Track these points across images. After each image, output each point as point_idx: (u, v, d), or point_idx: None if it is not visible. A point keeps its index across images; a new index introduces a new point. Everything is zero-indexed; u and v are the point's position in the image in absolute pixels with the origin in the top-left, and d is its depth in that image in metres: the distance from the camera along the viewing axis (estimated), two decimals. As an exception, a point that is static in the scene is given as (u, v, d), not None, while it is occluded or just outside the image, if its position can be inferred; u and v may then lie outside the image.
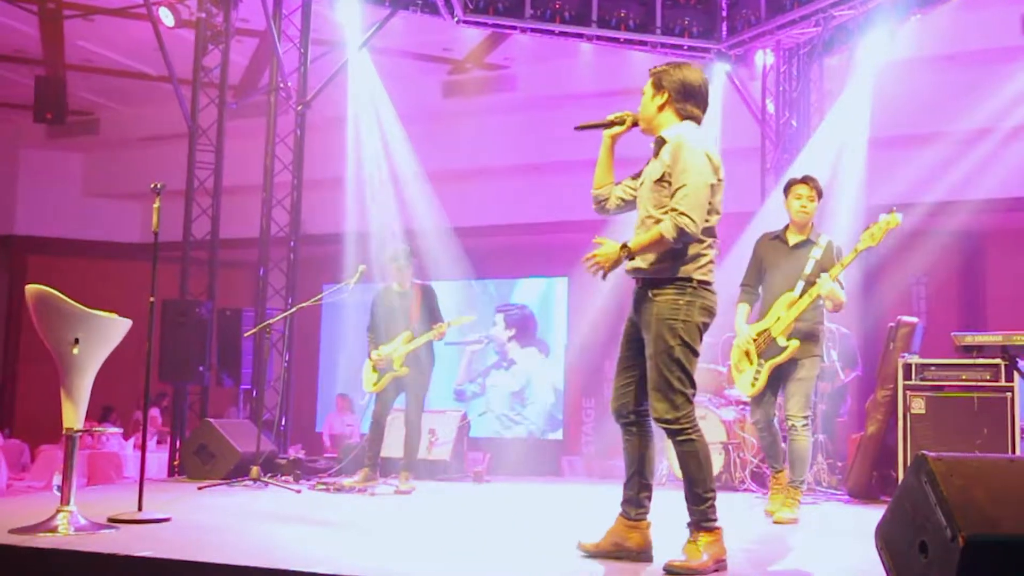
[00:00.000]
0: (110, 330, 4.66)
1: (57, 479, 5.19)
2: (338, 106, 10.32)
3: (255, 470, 7.08)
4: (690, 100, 3.98)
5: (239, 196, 10.48)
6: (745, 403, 7.76)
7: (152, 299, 5.22)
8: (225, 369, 9.01)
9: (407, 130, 10.75)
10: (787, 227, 5.87)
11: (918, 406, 6.56)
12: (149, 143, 14.38)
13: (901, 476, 6.47)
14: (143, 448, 5.53)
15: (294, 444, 10.17)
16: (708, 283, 3.90)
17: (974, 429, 6.31)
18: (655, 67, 4.10)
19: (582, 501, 7.06)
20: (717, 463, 7.76)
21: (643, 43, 9.85)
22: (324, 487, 7.07)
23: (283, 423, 9.06)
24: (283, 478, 7.53)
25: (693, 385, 3.87)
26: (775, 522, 5.47)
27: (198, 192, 9.19)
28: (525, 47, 11.50)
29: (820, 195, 5.81)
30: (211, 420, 8.13)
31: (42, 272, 10.49)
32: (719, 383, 8.20)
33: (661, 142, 3.96)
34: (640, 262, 3.89)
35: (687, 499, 3.86)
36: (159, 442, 10.99)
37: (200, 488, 6.86)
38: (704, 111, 4.04)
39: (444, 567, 3.91)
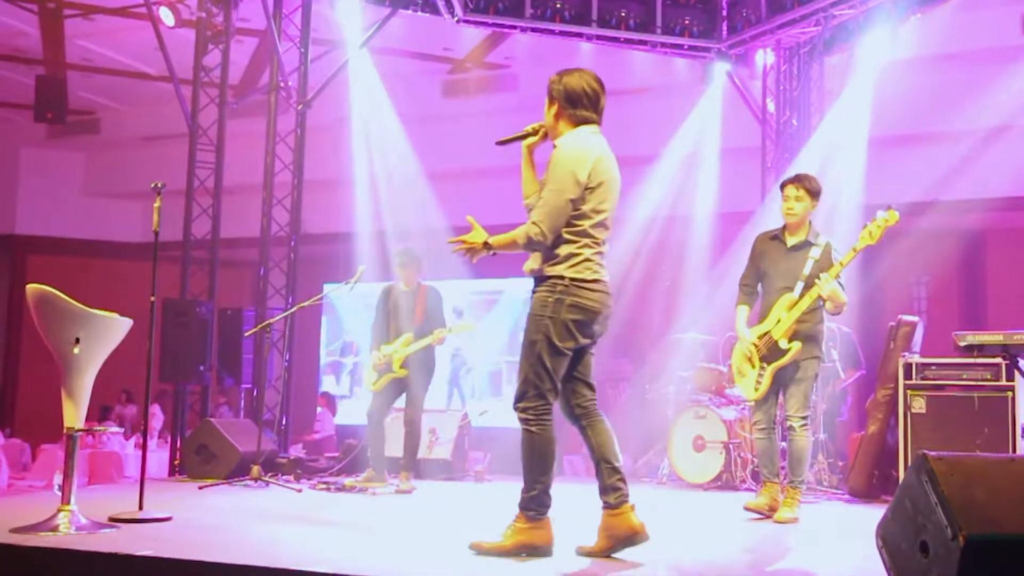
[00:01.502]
0: (111, 330, 4.66)
1: (58, 478, 5.19)
2: (338, 106, 10.31)
3: (256, 469, 7.07)
4: (578, 105, 4.12)
5: (239, 196, 10.48)
6: (746, 402, 7.76)
7: (153, 298, 5.22)
8: (226, 369, 9.01)
9: (407, 130, 10.74)
10: (784, 227, 5.84)
11: (919, 405, 6.56)
12: (150, 143, 14.38)
13: (902, 475, 6.47)
14: (144, 447, 5.54)
15: (295, 443, 10.17)
16: (582, 280, 4.02)
17: (975, 428, 6.31)
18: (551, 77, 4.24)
19: (581, 500, 7.05)
20: (718, 463, 7.77)
21: (643, 43, 9.84)
22: (325, 487, 7.07)
23: (284, 422, 9.06)
24: (284, 477, 7.53)
25: (552, 382, 4.01)
26: (775, 521, 5.48)
27: (198, 192, 9.19)
28: (525, 47, 11.50)
29: (814, 194, 5.73)
30: (212, 420, 8.14)
31: (42, 272, 10.48)
32: (719, 383, 8.19)
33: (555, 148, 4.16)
34: (531, 262, 4.11)
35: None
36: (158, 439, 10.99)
37: (201, 487, 6.86)
38: (597, 111, 4.18)
39: (444, 567, 3.91)
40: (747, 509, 5.71)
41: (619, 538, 4.02)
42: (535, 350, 3.98)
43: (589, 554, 4.05)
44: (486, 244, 4.04)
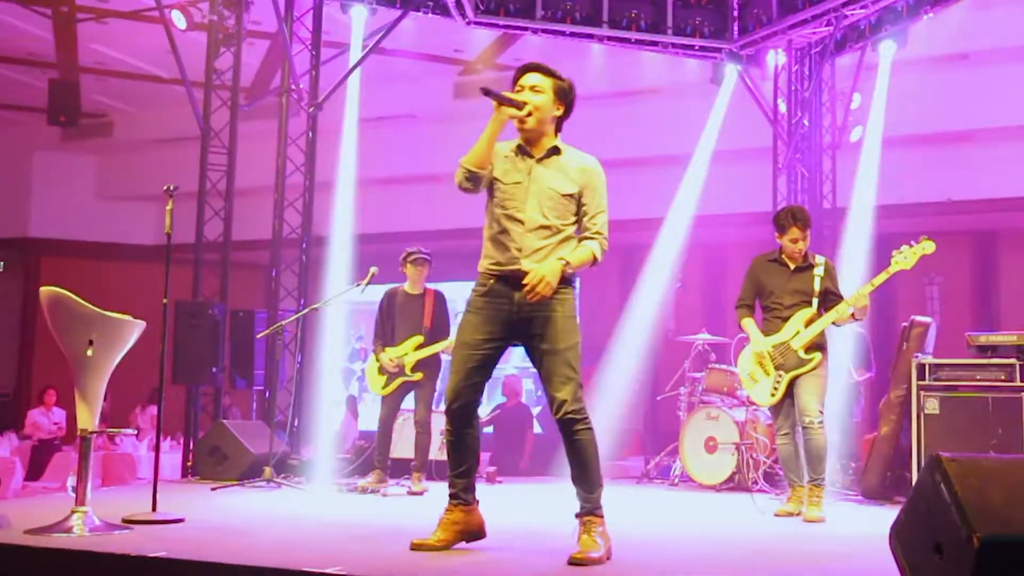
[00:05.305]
0: (124, 332, 4.68)
1: (71, 480, 5.22)
2: (350, 108, 10.31)
3: (268, 471, 7.10)
4: (562, 123, 4.17)
5: (251, 198, 10.50)
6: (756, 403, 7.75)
7: (165, 301, 5.24)
8: (238, 370, 9.03)
9: (418, 131, 10.73)
10: (781, 251, 6.04)
11: (932, 406, 6.53)
12: (162, 145, 14.43)
13: (915, 476, 6.45)
14: (157, 449, 5.56)
15: (307, 445, 10.16)
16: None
17: (988, 429, 6.27)
18: (559, 77, 4.07)
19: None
20: (730, 464, 7.75)
21: (654, 43, 9.82)
22: (337, 488, 7.08)
23: (296, 424, 9.07)
24: (296, 479, 7.54)
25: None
26: (804, 521, 5.55)
27: (210, 194, 9.21)
28: (536, 48, 11.50)
29: (810, 228, 6.03)
30: (224, 422, 8.16)
31: (56, 274, 10.53)
32: (731, 384, 8.17)
33: (555, 151, 4.07)
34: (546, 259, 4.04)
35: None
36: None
37: (214, 489, 6.89)
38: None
39: (457, 567, 3.91)
40: (777, 516, 5.79)
41: (470, 532, 4.22)
42: (578, 352, 4.07)
43: (431, 548, 4.10)
44: (566, 263, 3.96)
